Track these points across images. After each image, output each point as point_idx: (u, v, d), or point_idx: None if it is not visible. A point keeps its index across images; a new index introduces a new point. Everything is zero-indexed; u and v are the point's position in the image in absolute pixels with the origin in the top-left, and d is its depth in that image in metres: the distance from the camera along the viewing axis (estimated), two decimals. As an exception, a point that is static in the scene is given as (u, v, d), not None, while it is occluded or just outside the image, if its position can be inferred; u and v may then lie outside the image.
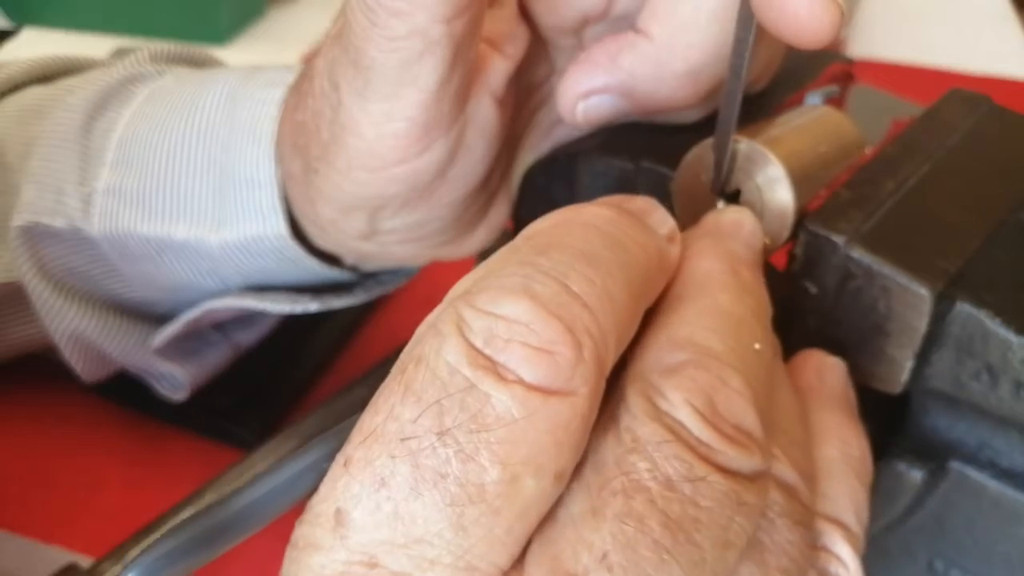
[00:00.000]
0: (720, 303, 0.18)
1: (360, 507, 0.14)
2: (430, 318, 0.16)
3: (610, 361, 0.16)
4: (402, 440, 0.14)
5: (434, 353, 0.15)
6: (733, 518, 0.15)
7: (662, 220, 0.18)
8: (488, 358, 0.14)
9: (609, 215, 0.17)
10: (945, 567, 0.24)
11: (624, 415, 0.16)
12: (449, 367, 0.14)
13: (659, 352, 0.17)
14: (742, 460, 0.15)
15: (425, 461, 0.14)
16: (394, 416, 0.14)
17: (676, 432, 0.15)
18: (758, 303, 0.19)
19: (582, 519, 0.15)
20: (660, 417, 0.15)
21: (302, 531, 0.15)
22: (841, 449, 0.19)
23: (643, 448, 0.15)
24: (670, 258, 0.18)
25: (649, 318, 0.17)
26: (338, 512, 0.14)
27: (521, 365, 0.14)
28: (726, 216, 0.21)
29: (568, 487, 0.15)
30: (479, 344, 0.15)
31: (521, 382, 0.14)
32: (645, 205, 0.18)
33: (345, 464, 0.14)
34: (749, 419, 0.16)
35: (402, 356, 0.15)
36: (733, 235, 0.20)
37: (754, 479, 0.16)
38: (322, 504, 0.15)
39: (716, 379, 0.16)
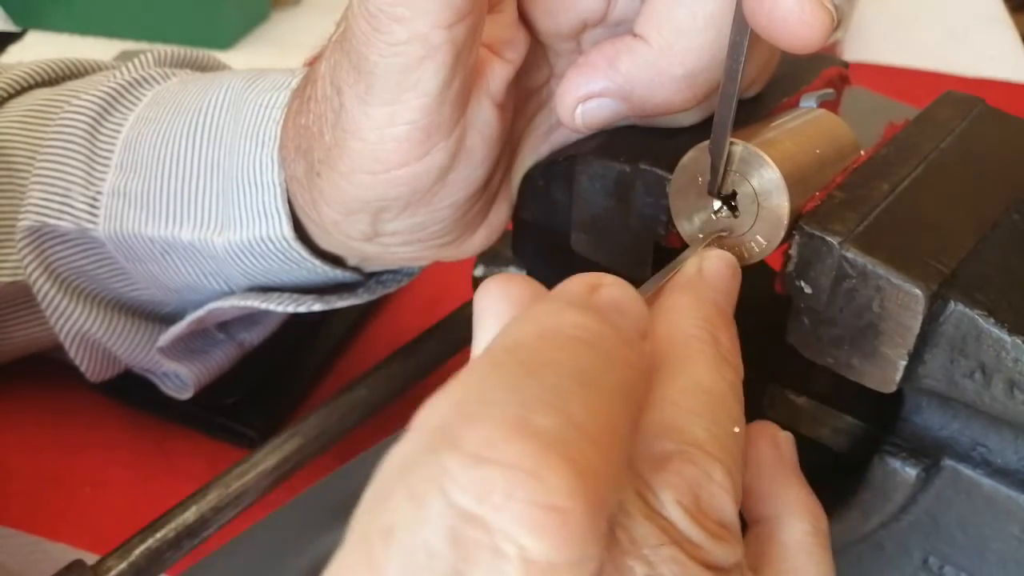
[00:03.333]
0: (703, 381, 0.17)
1: None
2: (397, 460, 0.13)
3: (614, 505, 0.14)
4: None
5: (407, 525, 0.12)
6: None
7: (637, 316, 0.16)
8: (480, 523, 0.12)
9: (596, 328, 0.15)
10: (939, 564, 0.24)
11: (618, 513, 0.15)
12: (427, 547, 0.12)
13: (645, 439, 0.16)
14: (726, 555, 0.16)
15: None
16: None
17: (670, 533, 0.15)
18: (735, 373, 0.18)
19: None
20: (654, 518, 0.15)
21: None
22: (813, 524, 0.20)
23: (639, 551, 0.15)
24: (647, 362, 0.17)
25: None
26: None
27: (525, 531, 0.12)
28: (709, 265, 0.21)
29: None
30: (469, 505, 0.12)
31: (521, 557, 0.12)
32: (619, 297, 0.16)
33: None
34: (729, 513, 0.16)
35: (366, 517, 0.12)
36: (714, 287, 0.20)
37: (731, 571, 0.16)
38: None
39: (702, 473, 0.16)
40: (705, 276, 0.20)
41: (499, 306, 0.17)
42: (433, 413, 0.13)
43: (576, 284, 0.16)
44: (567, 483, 0.12)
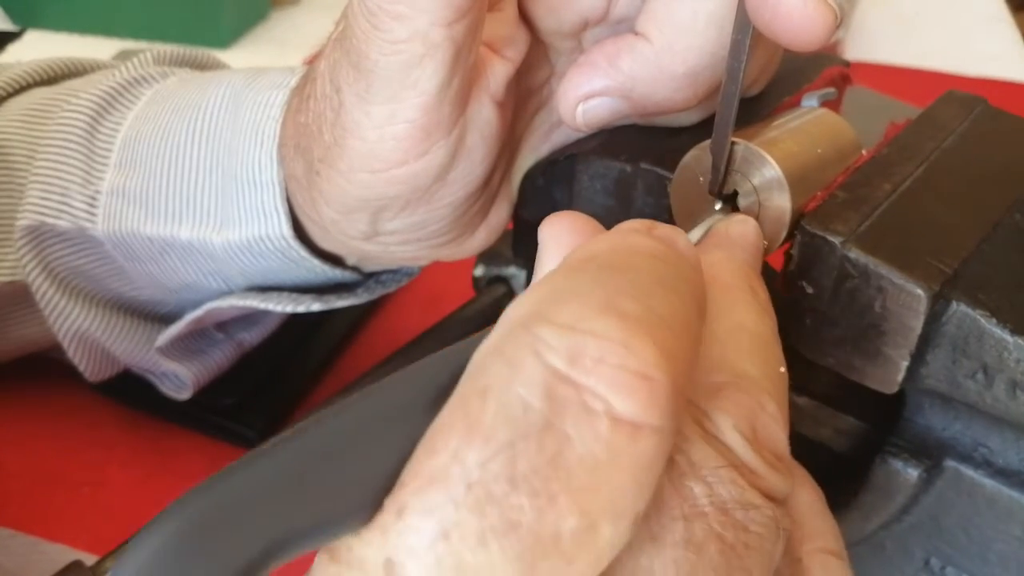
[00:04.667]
0: (747, 323, 0.17)
1: (417, 560, 0.12)
2: (491, 342, 0.14)
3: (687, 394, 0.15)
4: (468, 486, 0.12)
5: (503, 383, 0.13)
6: (776, 543, 0.15)
7: (694, 250, 0.17)
8: (572, 382, 0.13)
9: (664, 249, 0.16)
10: (941, 565, 0.24)
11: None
12: (522, 401, 0.13)
13: (698, 372, 0.16)
14: (781, 485, 0.16)
15: (495, 510, 0.12)
16: (458, 459, 0.13)
17: (728, 457, 0.15)
18: (774, 322, 0.19)
19: (640, 546, 0.14)
20: (712, 442, 0.15)
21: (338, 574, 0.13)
22: (817, 494, 0.20)
23: (698, 472, 0.15)
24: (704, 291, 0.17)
25: None
26: (389, 563, 0.13)
27: (614, 391, 0.13)
28: (734, 227, 0.21)
29: None
30: (561, 366, 0.13)
31: (609, 414, 0.13)
32: (675, 234, 0.17)
33: (399, 512, 0.13)
34: (782, 444, 0.16)
35: (462, 386, 0.13)
36: (743, 247, 0.20)
37: (784, 503, 0.16)
38: (367, 549, 0.13)
39: (756, 404, 0.16)
40: (733, 237, 0.20)
41: (566, 237, 0.18)
42: (519, 307, 0.14)
43: (634, 222, 0.17)
44: (653, 356, 0.13)
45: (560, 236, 0.18)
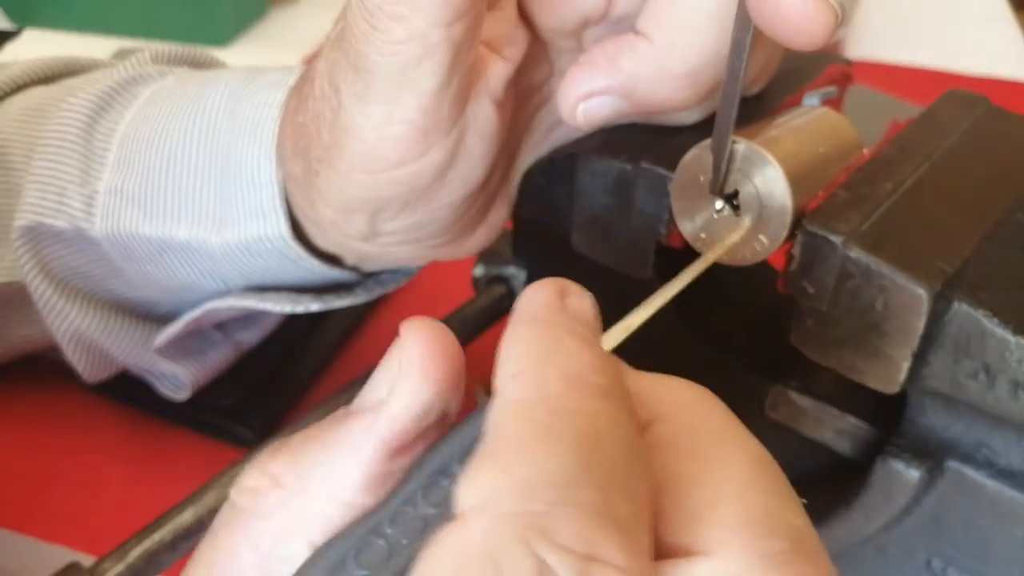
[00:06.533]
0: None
1: None
2: (477, 541, 0.12)
3: None
4: None
5: None
6: None
7: (598, 326, 0.16)
8: None
9: (607, 368, 0.15)
10: (943, 566, 0.24)
11: None
12: None
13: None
14: None
15: None
16: None
17: None
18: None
19: None
20: None
21: None
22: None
23: None
24: None
25: None
26: None
27: None
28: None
29: None
30: None
31: None
32: (586, 309, 0.16)
33: None
34: None
35: None
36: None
37: None
38: None
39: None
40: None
41: (428, 358, 0.16)
42: (499, 486, 0.13)
43: (548, 297, 0.16)
44: (648, 573, 0.13)
45: (420, 357, 0.16)
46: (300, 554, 0.15)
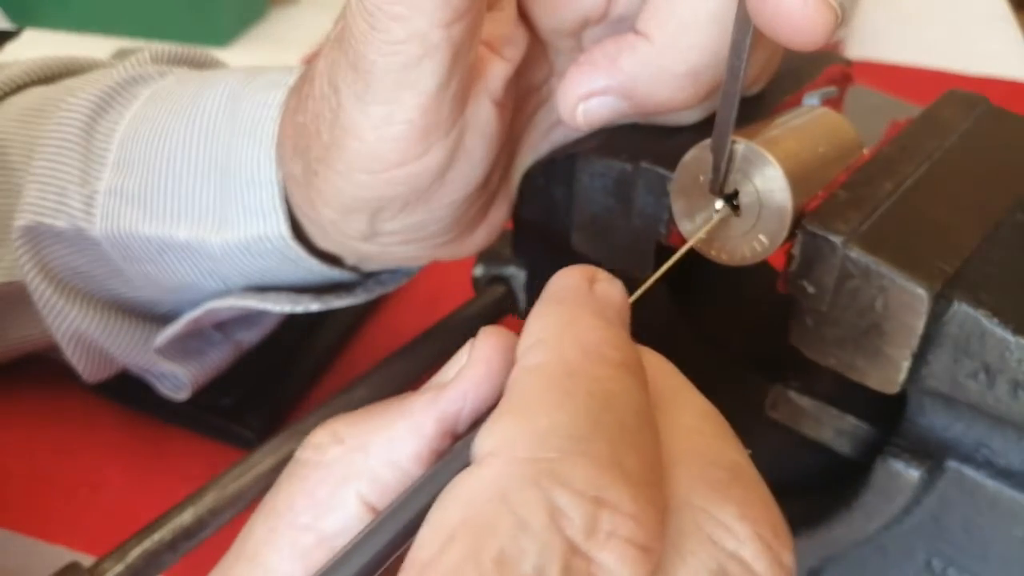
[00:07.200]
0: (702, 407, 0.17)
1: None
2: (490, 484, 0.14)
3: None
4: None
5: (522, 553, 0.13)
6: None
7: (626, 311, 0.17)
8: (585, 555, 0.13)
9: (622, 344, 0.16)
10: (943, 565, 0.24)
11: (679, 567, 0.14)
12: (537, 571, 0.13)
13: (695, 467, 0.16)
14: None
15: None
16: None
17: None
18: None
19: None
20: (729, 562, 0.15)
21: None
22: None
23: None
24: None
25: None
26: None
27: (624, 566, 0.13)
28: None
29: None
30: (578, 539, 0.13)
31: None
32: (615, 295, 0.17)
33: None
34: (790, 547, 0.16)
35: (465, 533, 0.13)
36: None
37: None
38: None
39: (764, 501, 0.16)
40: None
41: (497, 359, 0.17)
42: (515, 437, 0.14)
43: (576, 281, 0.17)
44: (655, 525, 0.14)
45: (492, 358, 0.17)
46: (351, 504, 0.16)
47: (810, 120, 0.25)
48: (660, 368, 0.17)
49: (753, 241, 0.23)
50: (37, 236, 0.32)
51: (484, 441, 0.14)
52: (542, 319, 0.16)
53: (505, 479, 0.13)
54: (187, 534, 0.28)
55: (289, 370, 0.41)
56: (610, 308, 0.17)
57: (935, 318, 0.21)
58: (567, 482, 0.13)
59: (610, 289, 0.17)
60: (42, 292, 0.32)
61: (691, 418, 0.16)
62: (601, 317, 0.16)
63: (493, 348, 0.17)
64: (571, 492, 0.13)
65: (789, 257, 0.23)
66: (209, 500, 0.28)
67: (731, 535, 0.15)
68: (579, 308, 0.16)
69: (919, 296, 0.21)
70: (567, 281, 0.17)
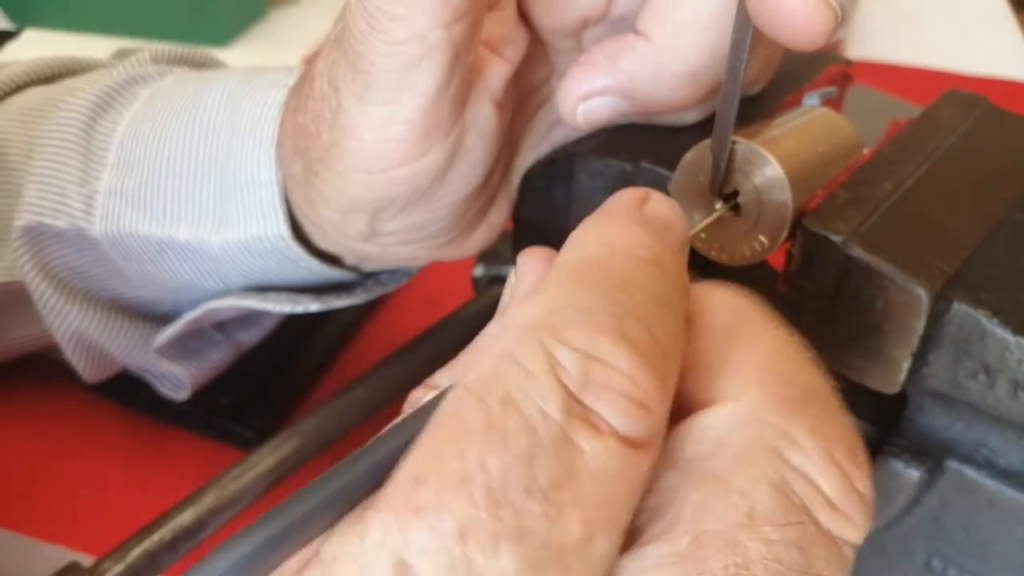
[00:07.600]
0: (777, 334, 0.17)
1: (431, 560, 0.13)
2: (501, 345, 0.14)
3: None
4: (489, 491, 0.13)
5: (524, 395, 0.14)
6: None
7: (682, 232, 0.18)
8: (582, 405, 0.14)
9: (659, 250, 0.16)
10: (942, 566, 0.24)
11: (737, 474, 0.14)
12: (543, 414, 0.13)
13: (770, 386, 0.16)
14: (859, 534, 0.15)
15: (511, 516, 0.13)
16: (481, 465, 0.13)
17: (805, 510, 0.14)
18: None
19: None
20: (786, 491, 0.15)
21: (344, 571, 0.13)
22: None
23: (759, 529, 0.14)
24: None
25: None
26: (401, 564, 0.13)
27: (617, 417, 0.14)
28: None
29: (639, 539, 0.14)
30: (574, 388, 0.14)
31: (615, 435, 0.14)
32: (668, 214, 0.17)
33: (416, 510, 0.13)
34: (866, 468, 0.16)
35: (474, 384, 0.14)
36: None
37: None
38: (374, 553, 0.13)
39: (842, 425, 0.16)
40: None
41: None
42: (526, 312, 0.15)
43: (628, 198, 0.18)
44: (654, 388, 0.14)
45: (539, 270, 0.18)
46: None
47: (810, 120, 0.25)
48: (734, 301, 0.17)
49: (753, 241, 0.23)
50: (37, 236, 0.32)
51: (502, 321, 0.15)
52: (583, 227, 0.17)
53: (514, 341, 0.14)
54: (187, 534, 0.28)
55: (289, 370, 0.41)
56: (656, 222, 0.17)
57: (935, 318, 0.21)
58: (566, 341, 0.14)
59: (661, 208, 0.17)
60: (42, 292, 0.32)
61: (768, 345, 0.16)
62: (641, 225, 0.17)
63: (537, 259, 0.18)
64: (569, 348, 0.14)
65: (789, 257, 0.23)
66: (209, 500, 0.28)
67: (798, 449, 0.15)
68: (621, 218, 0.17)
69: (919, 296, 0.21)
70: (619, 197, 0.18)
